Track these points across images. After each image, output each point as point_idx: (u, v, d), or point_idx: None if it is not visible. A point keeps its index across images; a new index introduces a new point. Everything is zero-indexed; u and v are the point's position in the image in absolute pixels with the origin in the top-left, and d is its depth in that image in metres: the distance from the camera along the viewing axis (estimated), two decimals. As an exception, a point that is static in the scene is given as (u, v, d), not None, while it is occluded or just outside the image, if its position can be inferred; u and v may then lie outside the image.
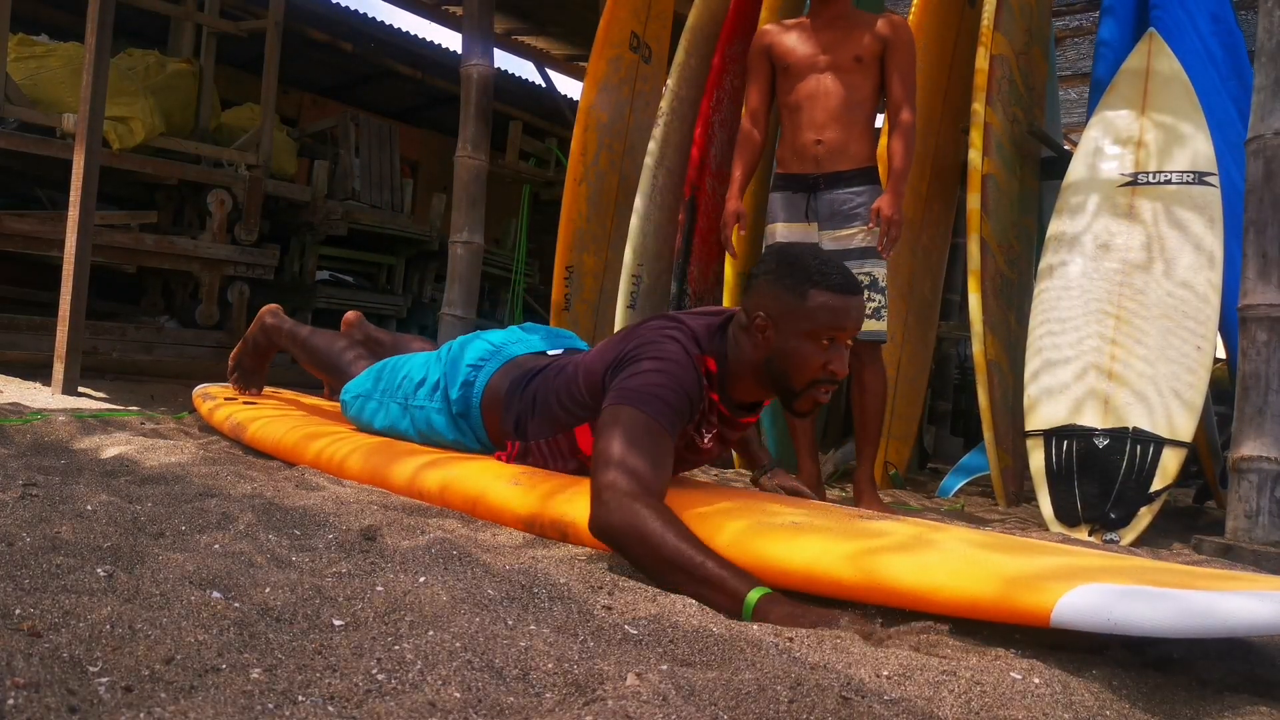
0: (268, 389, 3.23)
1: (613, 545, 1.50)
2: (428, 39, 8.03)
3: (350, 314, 2.95)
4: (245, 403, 2.79)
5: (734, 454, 3.86)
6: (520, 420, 2.02)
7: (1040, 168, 3.96)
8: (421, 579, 1.25)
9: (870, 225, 2.75)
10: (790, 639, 1.21)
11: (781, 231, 2.89)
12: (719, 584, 1.35)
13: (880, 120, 3.21)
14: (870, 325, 2.76)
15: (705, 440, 1.85)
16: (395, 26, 7.78)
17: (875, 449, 2.88)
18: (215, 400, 2.83)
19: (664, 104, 3.97)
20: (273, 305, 2.95)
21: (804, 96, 2.84)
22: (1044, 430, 2.92)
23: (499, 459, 2.07)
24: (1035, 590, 1.19)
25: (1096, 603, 1.14)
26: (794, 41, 2.88)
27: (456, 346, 2.27)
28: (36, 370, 4.30)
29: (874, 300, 2.77)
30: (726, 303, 3.83)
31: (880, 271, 2.79)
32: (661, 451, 1.61)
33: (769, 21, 3.73)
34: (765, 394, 1.86)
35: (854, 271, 2.79)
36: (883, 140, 3.17)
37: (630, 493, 1.49)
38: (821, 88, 2.83)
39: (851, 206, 2.79)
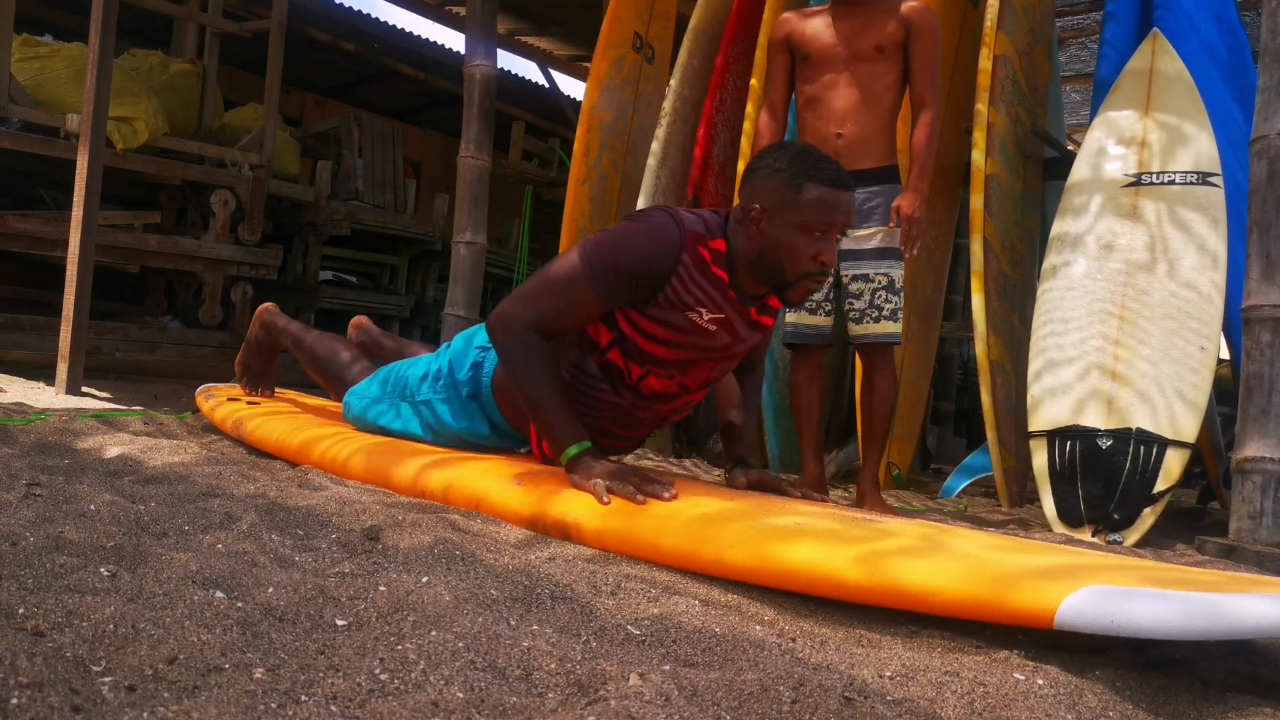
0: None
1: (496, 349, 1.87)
2: (430, 39, 8.04)
3: (357, 318, 2.96)
4: (248, 402, 2.79)
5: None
6: None
7: (1043, 168, 3.96)
8: (424, 579, 1.25)
9: (891, 225, 2.70)
10: (793, 639, 1.21)
11: None
12: (548, 428, 1.80)
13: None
14: (884, 327, 2.74)
15: (705, 319, 1.91)
16: (398, 27, 7.79)
17: (881, 451, 2.86)
18: (218, 400, 2.84)
19: (667, 104, 3.97)
20: (268, 304, 2.95)
21: (823, 87, 2.77)
22: (1047, 431, 2.92)
23: (530, 455, 2.13)
24: (1039, 591, 1.19)
25: (1100, 604, 1.13)
26: (814, 30, 2.80)
27: (461, 337, 2.31)
28: (40, 370, 4.31)
29: (890, 302, 2.75)
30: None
31: (897, 273, 2.76)
32: (575, 301, 1.85)
33: (770, 22, 3.73)
34: (763, 287, 1.94)
35: (871, 273, 2.74)
36: (903, 133, 3.11)
37: (524, 324, 1.83)
38: (842, 79, 2.75)
39: (870, 206, 2.74)
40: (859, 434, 3.51)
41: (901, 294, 2.78)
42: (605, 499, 1.68)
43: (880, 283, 2.74)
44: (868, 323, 2.76)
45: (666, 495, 1.68)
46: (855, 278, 2.77)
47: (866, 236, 2.76)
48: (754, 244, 1.86)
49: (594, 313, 1.89)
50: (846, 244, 2.78)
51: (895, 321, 2.77)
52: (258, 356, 2.97)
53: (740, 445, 2.19)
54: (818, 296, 2.81)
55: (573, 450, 1.80)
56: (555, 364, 1.86)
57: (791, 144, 1.91)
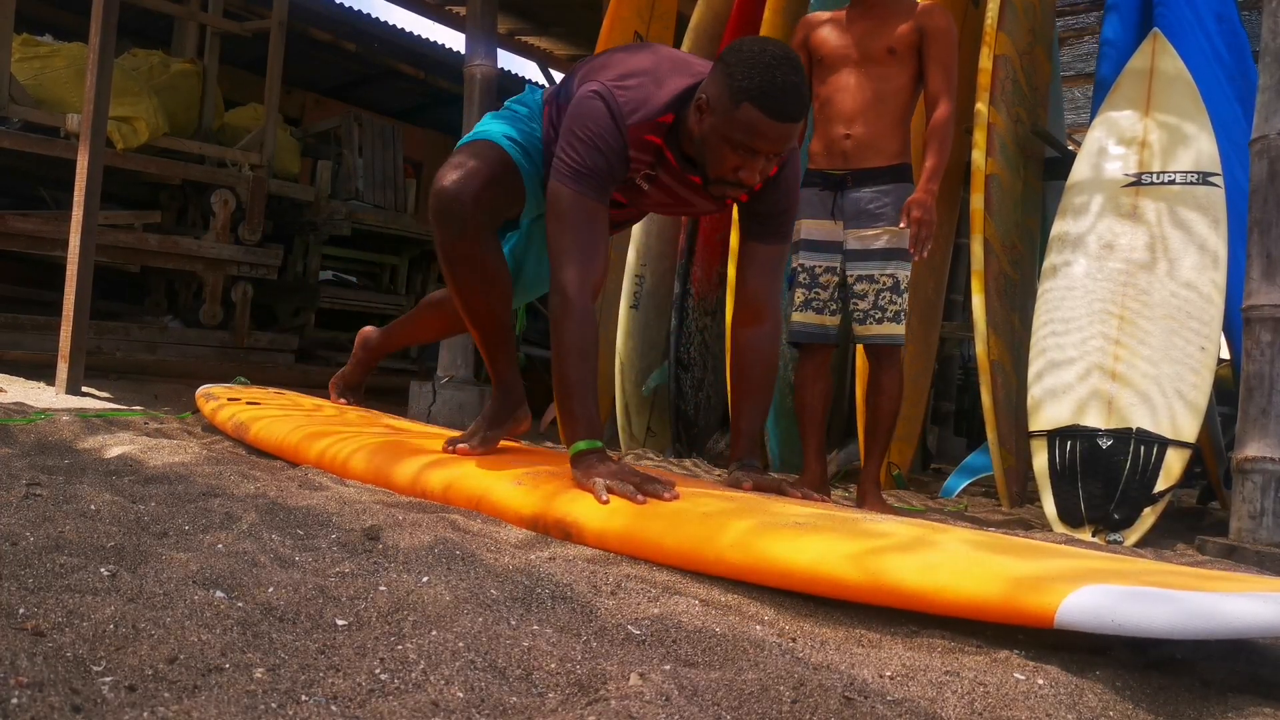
0: (271, 389, 3.25)
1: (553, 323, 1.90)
2: (431, 39, 8.04)
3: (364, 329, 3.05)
4: (249, 403, 2.80)
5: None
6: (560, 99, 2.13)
7: (1044, 168, 3.96)
8: (424, 579, 1.25)
9: (901, 225, 2.68)
10: (794, 639, 1.21)
11: (807, 228, 2.83)
12: (570, 416, 1.85)
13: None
14: (888, 329, 2.74)
15: (638, 178, 2.02)
16: (398, 26, 7.79)
17: (884, 452, 2.86)
18: (218, 401, 2.84)
19: (667, 104, 3.97)
20: (367, 328, 3.03)
21: (835, 89, 2.76)
22: (1047, 431, 2.92)
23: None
24: (1039, 591, 1.19)
25: (1100, 604, 1.13)
26: (828, 33, 2.80)
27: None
28: (40, 370, 4.31)
29: (895, 304, 2.74)
30: (729, 303, 3.83)
31: (903, 274, 2.75)
32: (597, 225, 1.91)
33: (770, 22, 3.73)
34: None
35: (876, 274, 2.73)
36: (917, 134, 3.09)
37: (584, 291, 1.86)
38: (853, 80, 2.74)
39: (878, 206, 2.73)
40: (859, 434, 3.51)
41: (906, 295, 2.76)
42: (604, 498, 1.68)
43: (885, 283, 2.74)
44: (871, 324, 2.75)
45: (667, 495, 1.68)
46: (860, 278, 2.76)
47: (873, 236, 2.75)
48: (694, 130, 1.91)
49: (606, 217, 1.96)
50: (852, 244, 2.78)
51: (899, 323, 2.75)
52: (355, 373, 3.05)
53: (743, 445, 2.19)
54: (824, 295, 2.82)
55: (582, 445, 1.82)
56: (596, 348, 1.92)
57: (763, 51, 1.85)
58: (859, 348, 2.93)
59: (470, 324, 2.16)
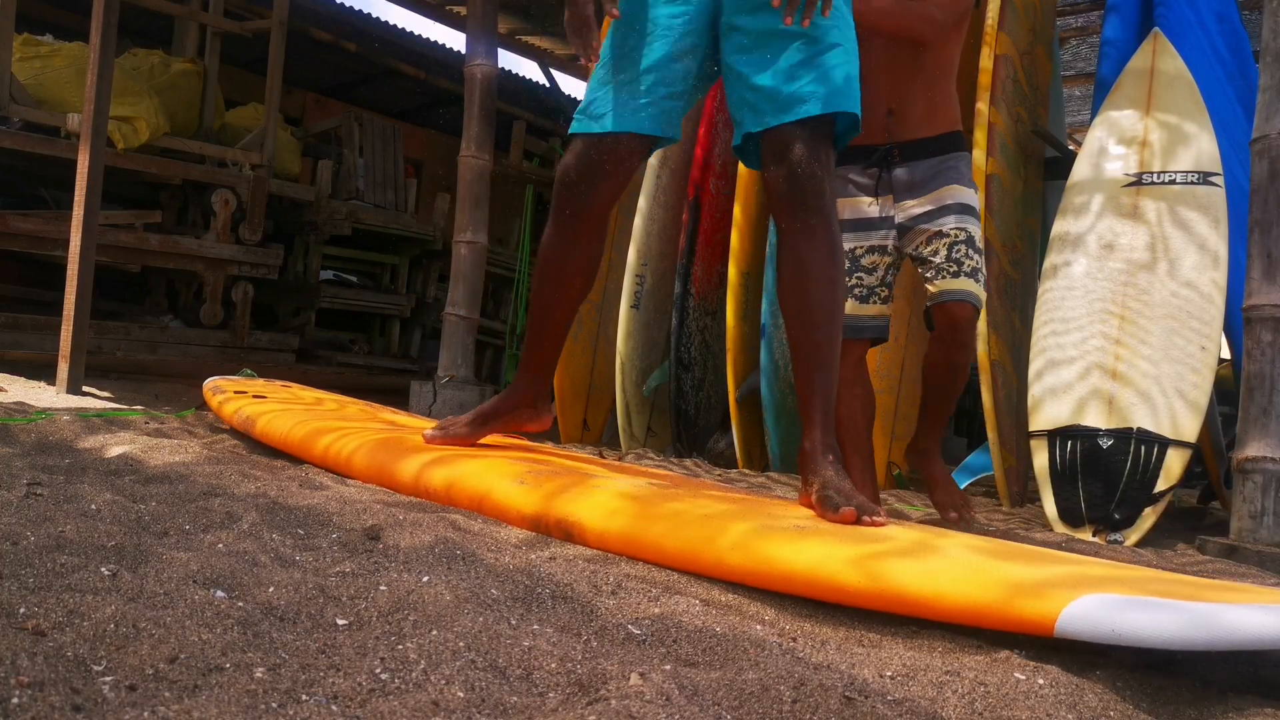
0: (278, 382, 3.26)
1: None
2: (431, 39, 8.04)
3: None
4: (255, 396, 2.81)
5: (737, 453, 3.86)
6: None
7: (1044, 167, 3.96)
8: (425, 578, 1.25)
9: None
10: (794, 639, 1.21)
11: (845, 208, 2.49)
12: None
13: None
14: (965, 284, 2.42)
15: None
16: (399, 26, 7.79)
17: (944, 424, 2.63)
18: (225, 394, 2.85)
19: (667, 104, 3.97)
20: None
21: (871, 65, 2.32)
22: (1048, 430, 2.92)
23: None
24: (1039, 599, 1.19)
25: (1101, 613, 1.14)
26: (856, 5, 2.41)
27: None
28: (41, 369, 4.31)
29: (972, 259, 2.43)
30: (729, 303, 3.83)
31: (975, 229, 2.44)
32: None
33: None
34: None
35: (947, 228, 2.41)
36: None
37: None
38: (889, 54, 2.46)
39: (938, 169, 2.47)
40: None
41: (982, 257, 2.47)
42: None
43: (958, 236, 2.44)
44: (947, 278, 2.43)
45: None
46: (931, 236, 2.46)
47: (938, 195, 2.46)
48: None
49: None
50: (913, 209, 2.48)
51: (977, 281, 2.44)
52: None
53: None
54: (870, 281, 2.50)
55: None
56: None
57: None
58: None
59: (532, 302, 2.12)
